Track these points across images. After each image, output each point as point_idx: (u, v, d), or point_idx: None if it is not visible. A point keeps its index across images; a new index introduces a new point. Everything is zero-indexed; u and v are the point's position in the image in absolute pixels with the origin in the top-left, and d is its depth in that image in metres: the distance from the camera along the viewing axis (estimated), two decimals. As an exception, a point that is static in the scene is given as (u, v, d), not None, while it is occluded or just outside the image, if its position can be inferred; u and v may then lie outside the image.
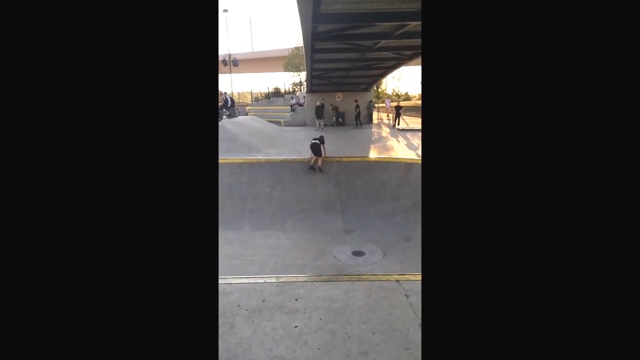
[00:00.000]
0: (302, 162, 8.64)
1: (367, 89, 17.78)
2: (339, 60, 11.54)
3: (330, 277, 3.38)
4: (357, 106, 16.33)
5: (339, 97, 17.35)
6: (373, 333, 2.46)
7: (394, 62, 12.32)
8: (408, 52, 10.41)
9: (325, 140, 8.82)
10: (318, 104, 16.04)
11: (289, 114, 18.72)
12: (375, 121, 18.28)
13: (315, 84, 15.97)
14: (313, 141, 8.70)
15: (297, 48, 26.27)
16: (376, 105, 19.66)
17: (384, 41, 8.68)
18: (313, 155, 8.57)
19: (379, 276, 3.47)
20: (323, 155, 8.54)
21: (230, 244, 6.65)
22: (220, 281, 3.27)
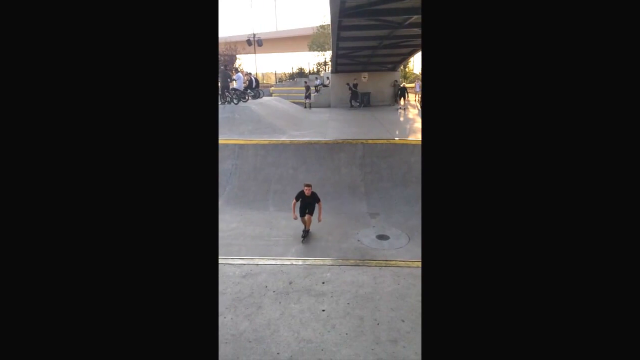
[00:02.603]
0: (326, 144, 8.52)
1: (394, 69, 17.18)
2: (366, 38, 11.12)
3: (357, 261, 3.33)
4: (351, 87, 16.51)
5: (365, 77, 16.88)
6: (403, 321, 2.40)
7: (424, 39, 11.71)
8: (440, 29, 9.85)
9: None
10: (355, 82, 16.39)
11: (313, 94, 18.47)
12: (402, 102, 17.71)
13: (340, 64, 15.58)
14: (305, 196, 5.80)
15: (322, 26, 25.61)
16: (403, 85, 19.04)
17: (415, 17, 8.23)
18: (302, 215, 5.87)
19: (407, 262, 3.38)
20: (319, 215, 5.94)
21: (255, 224, 6.73)
22: (247, 262, 3.30)
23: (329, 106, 17.18)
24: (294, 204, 5.87)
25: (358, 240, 6.15)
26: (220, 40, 30.91)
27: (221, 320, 2.44)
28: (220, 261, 3.30)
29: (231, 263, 3.25)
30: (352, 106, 16.28)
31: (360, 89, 16.68)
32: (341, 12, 7.52)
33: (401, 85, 17.67)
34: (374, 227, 6.70)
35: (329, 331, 2.32)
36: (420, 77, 22.77)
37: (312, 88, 17.41)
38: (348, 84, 16.54)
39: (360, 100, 16.58)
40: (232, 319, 2.46)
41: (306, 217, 5.95)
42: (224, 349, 2.17)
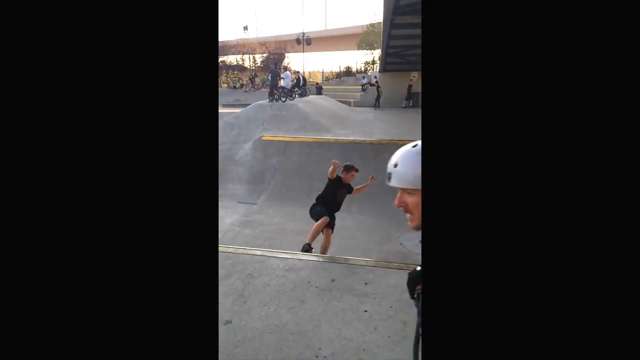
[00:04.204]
0: (371, 144, 8.42)
1: (445, 68, 16.54)
2: (418, 37, 10.80)
3: (402, 265, 3.25)
4: (378, 87, 16.14)
5: (414, 77, 16.42)
6: (448, 330, 2.31)
7: (481, 37, 11.14)
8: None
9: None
10: (410, 82, 16.29)
11: (359, 94, 18.35)
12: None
13: (389, 62, 15.32)
14: (342, 184, 4.13)
15: (372, 25, 25.31)
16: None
17: (473, 13, 7.84)
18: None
19: (454, 270, 3.24)
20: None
21: (297, 220, 6.86)
22: (291, 256, 3.37)
23: (374, 105, 16.97)
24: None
25: (400, 244, 6.02)
26: (271, 39, 31.78)
27: (265, 310, 2.52)
28: (265, 254, 3.41)
29: (276, 256, 3.34)
30: (376, 107, 16.02)
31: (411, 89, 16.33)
32: (394, 10, 7.38)
33: None
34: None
35: (370, 332, 2.30)
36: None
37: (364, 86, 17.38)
38: (376, 82, 16.38)
39: (410, 100, 16.23)
40: (275, 310, 2.53)
41: (325, 231, 3.87)
42: (268, 338, 2.24)
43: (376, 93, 16.45)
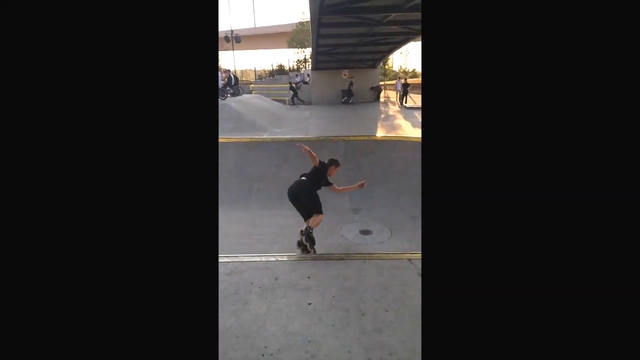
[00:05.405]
0: (309, 140, 8.52)
1: (374, 66, 17.36)
2: (346, 36, 11.19)
3: (342, 255, 3.38)
4: (292, 86, 16.77)
5: (345, 75, 16.98)
6: (386, 311, 2.47)
7: (402, 37, 11.93)
8: (417, 27, 10.06)
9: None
10: (351, 79, 16.66)
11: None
12: (382, 99, 17.94)
13: (320, 61, 15.61)
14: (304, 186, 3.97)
15: (301, 23, 25.53)
16: (383, 83, 19.31)
17: (393, 14, 8.37)
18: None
19: (390, 255, 3.47)
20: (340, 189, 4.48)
21: (239, 223, 6.69)
22: (232, 259, 3.29)
23: (309, 103, 17.19)
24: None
25: (342, 236, 6.22)
26: (197, 37, 30.21)
27: (207, 318, 2.43)
28: (204, 260, 3.27)
29: (215, 261, 3.23)
30: (293, 104, 16.37)
31: (342, 87, 16.81)
32: (321, 9, 7.54)
33: (378, 85, 18.15)
34: (357, 222, 6.79)
35: (315, 324, 2.36)
36: (400, 75, 23.07)
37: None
38: (290, 83, 16.88)
39: (346, 97, 16.74)
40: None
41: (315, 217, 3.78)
42: (211, 346, 2.17)
43: (294, 92, 16.49)
